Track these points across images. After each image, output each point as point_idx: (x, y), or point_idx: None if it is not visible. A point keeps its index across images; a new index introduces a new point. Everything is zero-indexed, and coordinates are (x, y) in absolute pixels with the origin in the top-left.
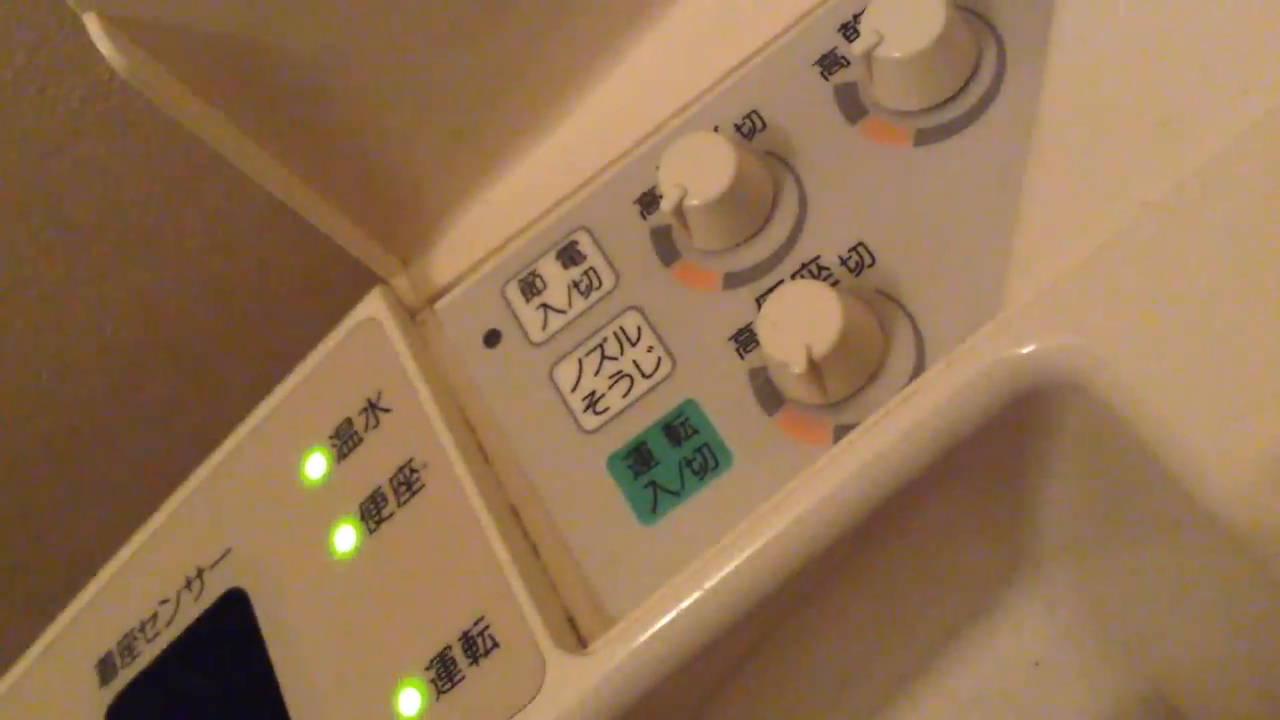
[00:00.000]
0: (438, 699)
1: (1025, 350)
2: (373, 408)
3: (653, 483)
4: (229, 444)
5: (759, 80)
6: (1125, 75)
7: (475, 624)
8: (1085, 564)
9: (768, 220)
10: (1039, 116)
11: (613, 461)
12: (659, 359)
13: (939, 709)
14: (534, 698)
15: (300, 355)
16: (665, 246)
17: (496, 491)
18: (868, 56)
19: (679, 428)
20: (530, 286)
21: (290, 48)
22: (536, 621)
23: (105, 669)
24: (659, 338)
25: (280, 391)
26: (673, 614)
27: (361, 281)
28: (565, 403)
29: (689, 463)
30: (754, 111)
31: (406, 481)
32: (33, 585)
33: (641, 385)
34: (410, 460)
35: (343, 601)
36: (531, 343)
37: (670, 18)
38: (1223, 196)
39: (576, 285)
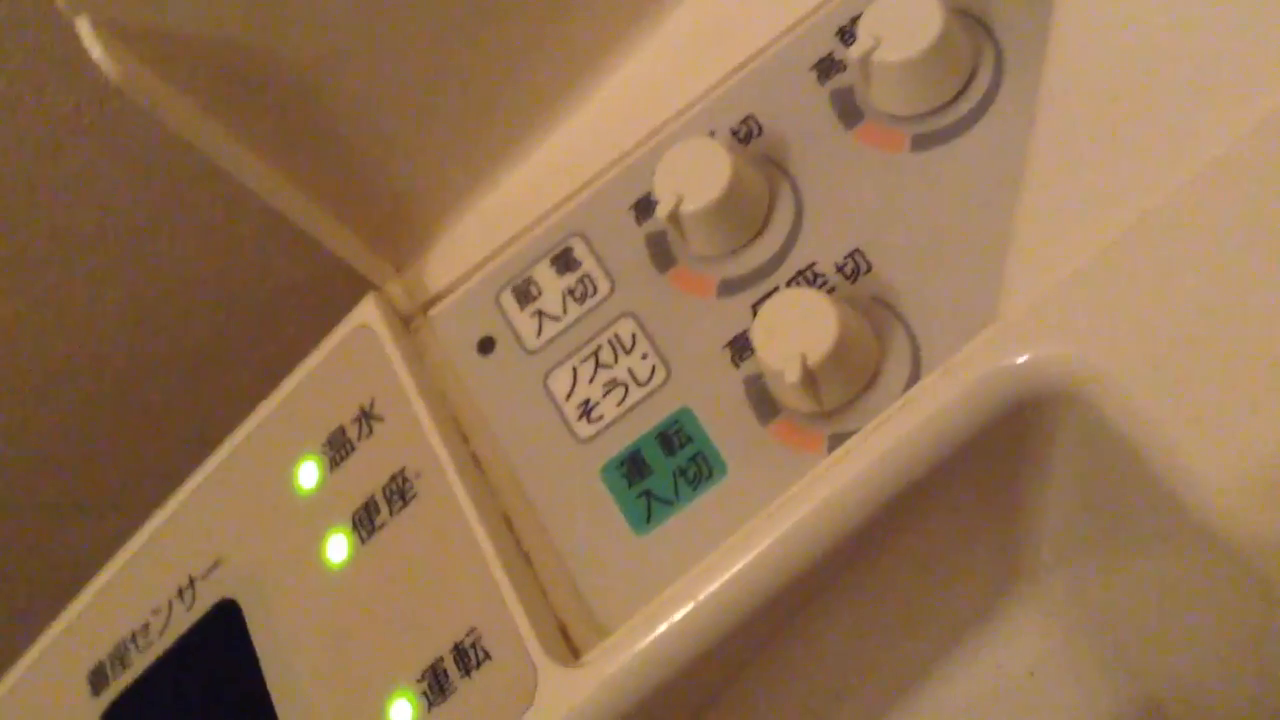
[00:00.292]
0: (429, 710)
1: (1020, 360)
2: (366, 416)
3: (647, 492)
4: (221, 452)
5: (755, 85)
6: (1122, 82)
7: (468, 635)
8: (1081, 573)
9: (764, 226)
10: (1036, 122)
11: (607, 470)
12: (654, 367)
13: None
14: (527, 709)
15: (294, 362)
16: (660, 253)
17: (490, 501)
18: (864, 61)
19: (673, 436)
20: (525, 293)
21: (284, 55)
22: (529, 632)
23: (97, 679)
24: (654, 345)
25: (273, 399)
26: (666, 625)
27: (356, 288)
28: (559, 411)
29: (683, 472)
30: (750, 116)
31: (399, 490)
32: (25, 594)
33: (636, 393)
34: (403, 469)
35: (335, 611)
36: (526, 350)
37: (666, 23)
38: (1219, 205)
39: (571, 292)
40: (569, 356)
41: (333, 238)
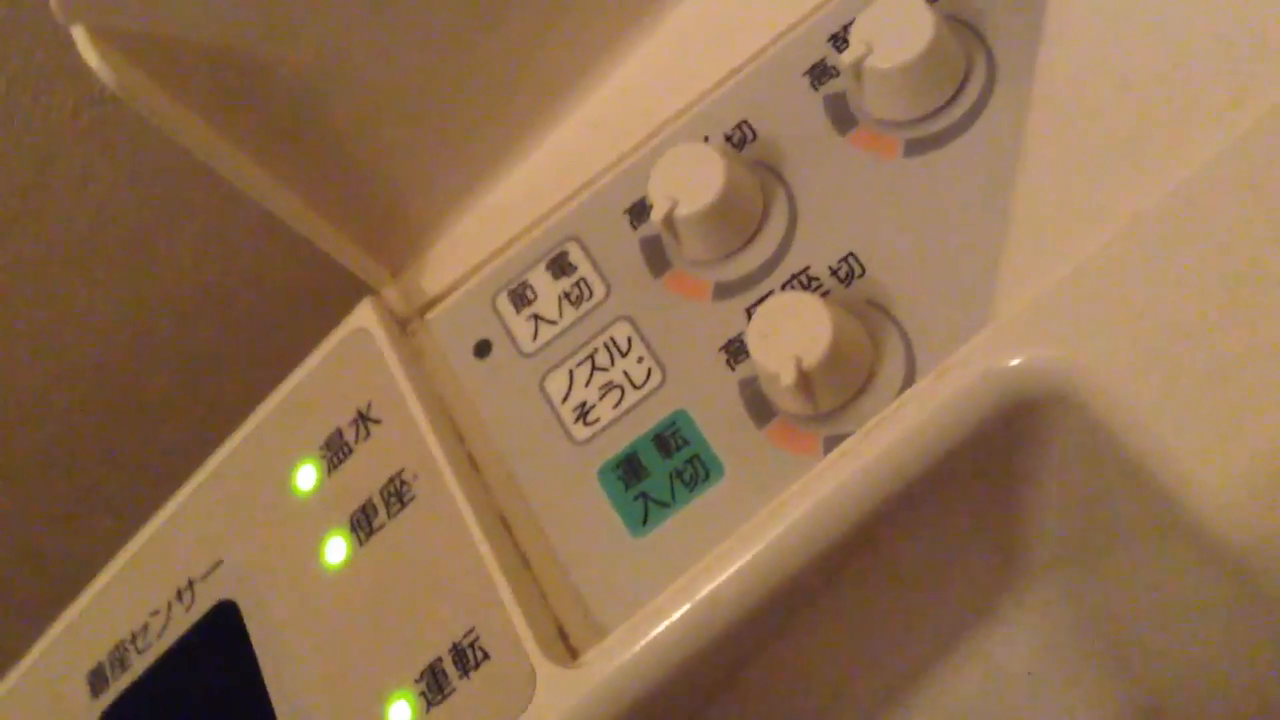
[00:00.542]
0: (428, 711)
1: (1014, 362)
2: (363, 419)
3: (643, 494)
4: (220, 454)
5: (749, 91)
6: (1115, 86)
7: (466, 635)
8: (1077, 575)
9: (758, 231)
10: (1029, 127)
11: (604, 473)
12: (649, 370)
13: None
14: (525, 709)
15: (292, 365)
16: (655, 257)
17: (487, 503)
18: (857, 67)
19: (670, 439)
20: (521, 297)
21: (280, 61)
22: (527, 633)
23: (96, 680)
24: (649, 348)
25: (271, 402)
26: (664, 626)
27: (353, 292)
28: (556, 413)
29: (679, 474)
30: (744, 122)
31: (397, 493)
32: (24, 595)
33: (632, 396)
34: (401, 471)
35: (333, 613)
36: (522, 353)
37: (660, 28)
38: (1211, 208)
39: (567, 296)
40: (565, 360)
41: (329, 242)
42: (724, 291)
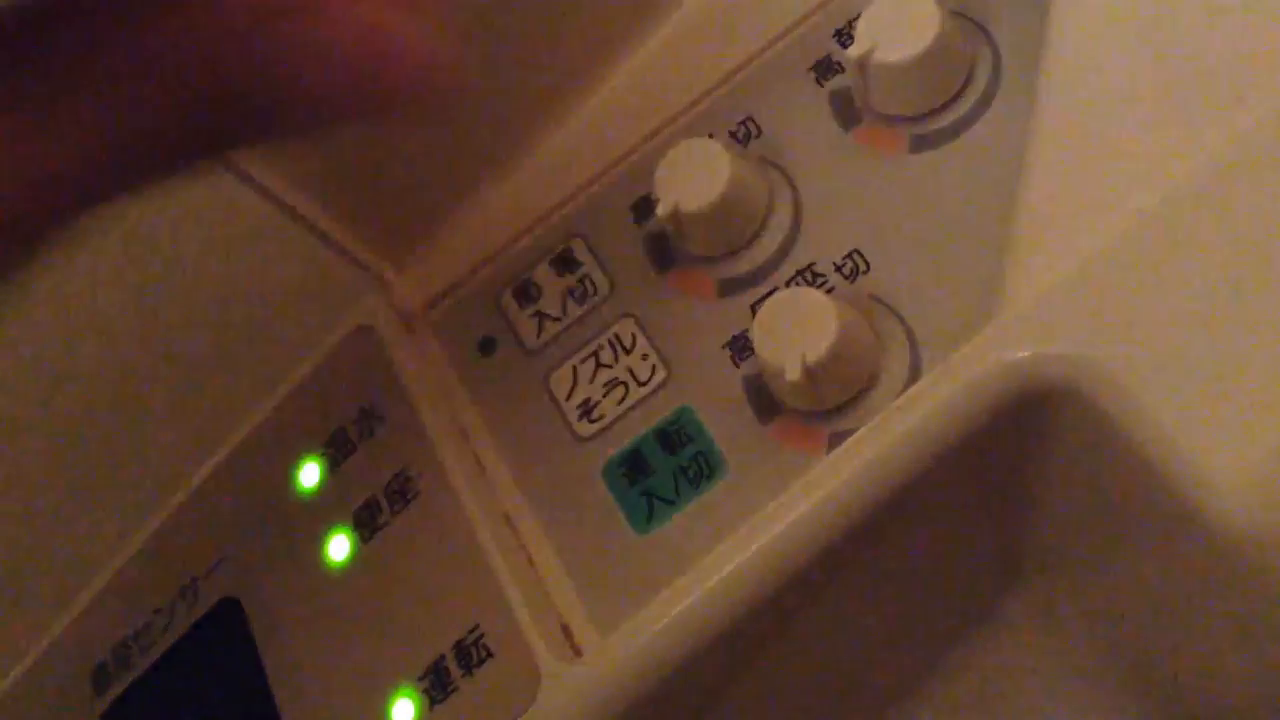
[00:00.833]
0: (432, 709)
1: (1020, 357)
2: (367, 416)
3: (648, 491)
4: (223, 452)
5: (754, 87)
6: (1120, 81)
7: (469, 633)
8: (1084, 573)
9: (762, 227)
10: (1034, 122)
11: (608, 469)
12: (654, 366)
13: (936, 719)
14: (528, 707)
15: (295, 362)
16: (660, 254)
17: (491, 500)
18: (862, 62)
19: (674, 435)
20: (525, 294)
21: None
22: (531, 630)
23: (99, 678)
24: (653, 345)
25: (273, 399)
26: (668, 623)
27: (356, 289)
28: (560, 410)
29: (684, 471)
30: (749, 118)
31: (401, 490)
32: (27, 594)
33: (637, 393)
34: (404, 469)
35: (337, 611)
36: (526, 350)
37: (665, 25)
38: (1219, 203)
39: (571, 293)
40: (569, 356)
41: (334, 238)
42: (728, 288)
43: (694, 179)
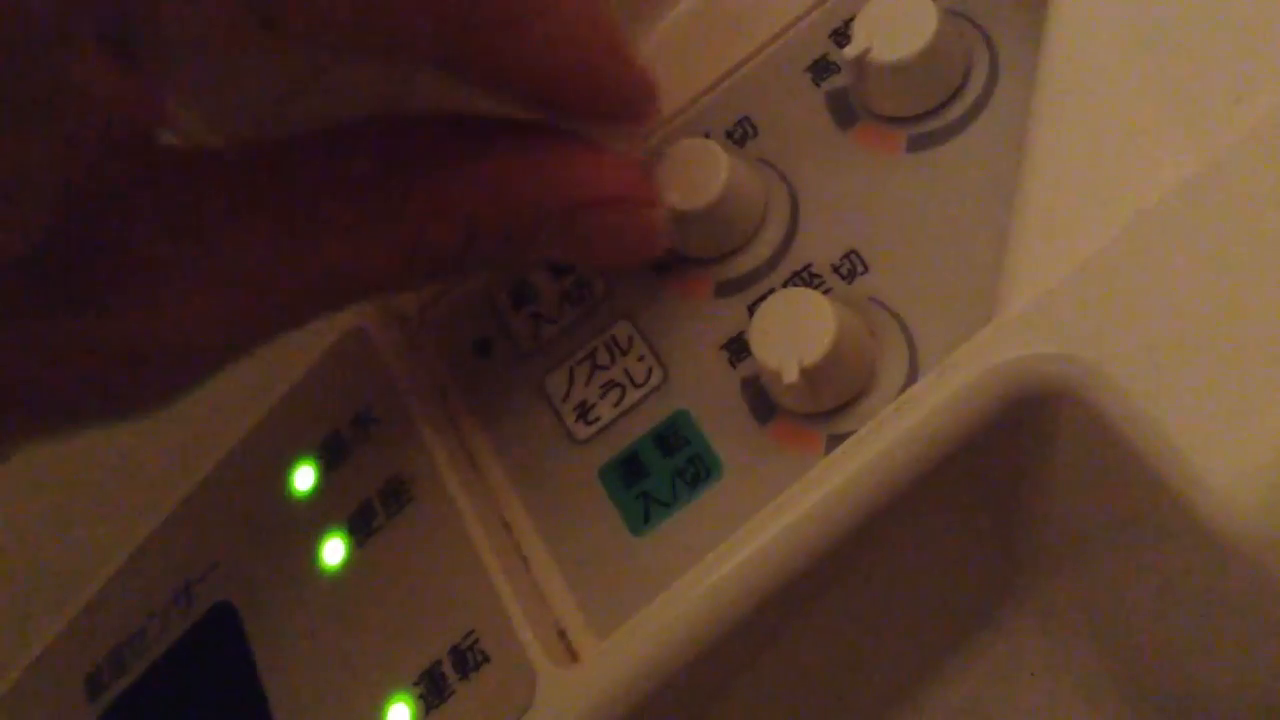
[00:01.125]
0: (427, 714)
1: (1018, 358)
2: (362, 419)
3: (644, 494)
4: (217, 455)
5: (750, 87)
6: (1118, 80)
7: (465, 637)
8: (1082, 573)
9: (759, 228)
10: (1032, 122)
11: (604, 472)
12: (650, 368)
13: None
14: (525, 712)
15: (290, 364)
16: None
17: (487, 503)
18: (859, 62)
19: (671, 437)
20: (521, 295)
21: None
22: (527, 635)
23: (93, 684)
24: (650, 347)
25: (268, 402)
26: (665, 626)
27: None
28: (556, 413)
29: (681, 473)
30: (745, 118)
31: (396, 493)
32: (21, 598)
33: (633, 395)
34: (400, 472)
35: (332, 615)
36: (522, 352)
37: (661, 25)
38: (1217, 204)
39: (567, 294)
40: (566, 358)
41: None
42: (725, 289)
43: (690, 179)
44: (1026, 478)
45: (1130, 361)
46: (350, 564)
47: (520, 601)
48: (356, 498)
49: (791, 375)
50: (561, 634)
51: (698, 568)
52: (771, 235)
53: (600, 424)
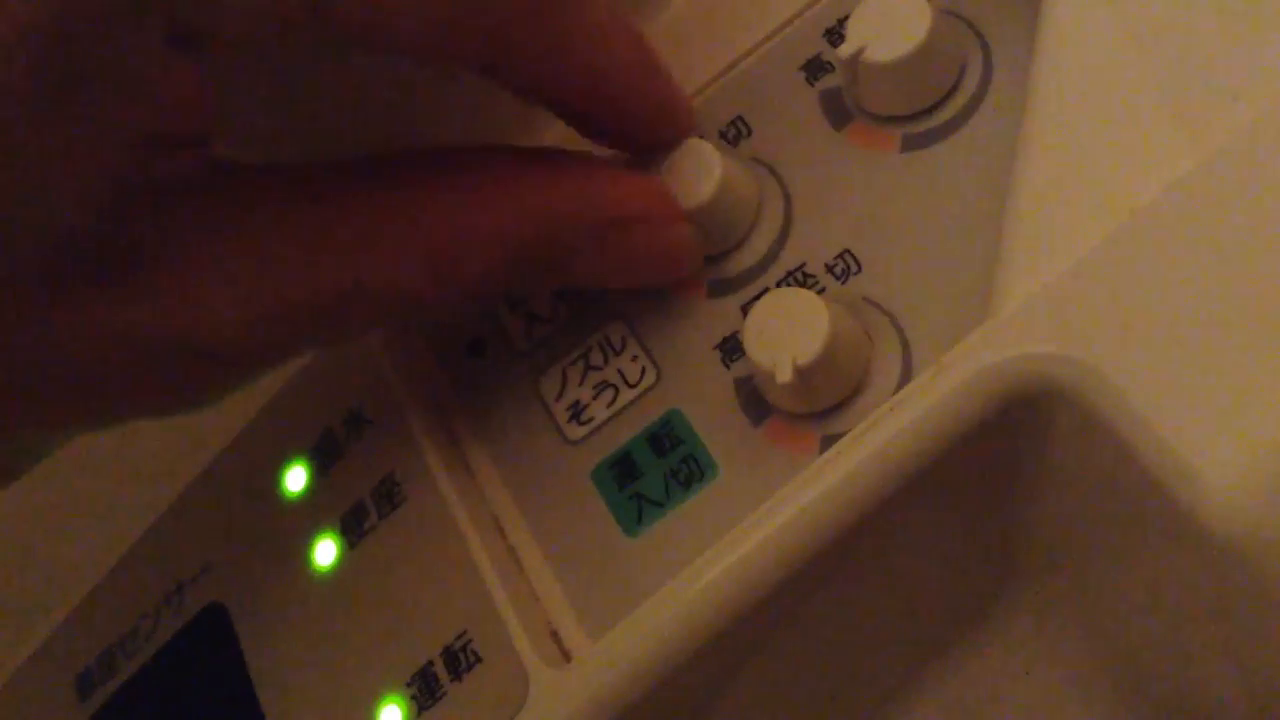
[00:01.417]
0: (419, 715)
1: (1012, 357)
2: (354, 419)
3: (638, 494)
4: (209, 456)
5: (744, 86)
6: (1112, 79)
7: (458, 638)
8: (1077, 573)
9: (753, 228)
10: (1026, 121)
11: (598, 472)
12: (644, 368)
13: None
14: (517, 712)
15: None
16: None
17: (479, 503)
18: (853, 61)
19: (664, 438)
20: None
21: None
22: (520, 635)
23: (84, 685)
24: (644, 347)
25: (260, 402)
26: (658, 626)
27: None
28: (550, 413)
29: (674, 474)
30: (739, 118)
31: (388, 494)
32: (11, 599)
33: (627, 395)
34: (392, 472)
35: (323, 616)
36: (516, 352)
37: (654, 25)
38: (1211, 202)
39: (561, 294)
40: (559, 358)
41: None
42: (719, 289)
43: (684, 178)
44: (1021, 478)
45: (1124, 360)
46: (342, 565)
47: (513, 602)
48: (349, 498)
49: (785, 375)
50: (554, 635)
51: (691, 568)
52: (765, 235)
53: (593, 424)
